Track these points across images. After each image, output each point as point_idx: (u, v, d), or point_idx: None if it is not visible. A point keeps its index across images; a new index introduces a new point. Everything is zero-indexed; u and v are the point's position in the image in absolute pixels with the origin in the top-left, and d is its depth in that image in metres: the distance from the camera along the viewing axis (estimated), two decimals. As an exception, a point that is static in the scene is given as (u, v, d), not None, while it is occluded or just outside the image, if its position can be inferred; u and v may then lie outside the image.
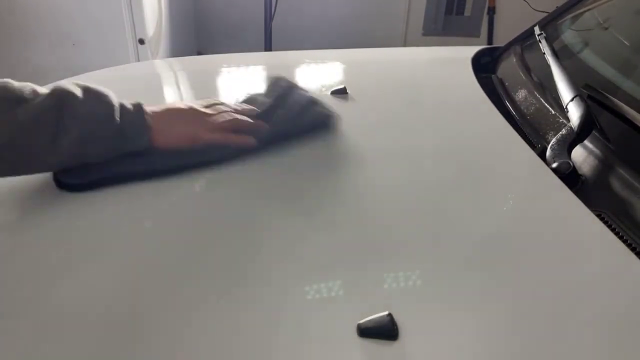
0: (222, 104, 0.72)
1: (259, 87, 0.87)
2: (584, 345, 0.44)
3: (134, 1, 2.21)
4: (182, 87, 1.08)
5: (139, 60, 2.48)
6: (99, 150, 0.61)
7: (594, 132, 0.71)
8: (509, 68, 1.04)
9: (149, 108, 0.65)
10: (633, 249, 0.54)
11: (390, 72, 1.13)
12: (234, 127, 0.69)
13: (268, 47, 2.66)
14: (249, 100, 0.80)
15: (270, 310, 0.47)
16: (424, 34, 2.98)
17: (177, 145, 0.66)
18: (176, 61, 1.26)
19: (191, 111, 0.68)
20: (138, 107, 0.63)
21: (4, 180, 0.62)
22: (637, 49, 0.89)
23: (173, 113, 0.67)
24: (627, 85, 0.79)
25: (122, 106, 0.62)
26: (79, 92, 0.60)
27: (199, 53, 3.06)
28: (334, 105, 0.92)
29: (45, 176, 0.63)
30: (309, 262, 0.53)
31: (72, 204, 0.61)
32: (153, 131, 0.63)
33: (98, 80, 1.10)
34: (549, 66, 0.86)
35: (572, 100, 0.73)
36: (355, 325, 0.45)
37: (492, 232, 0.59)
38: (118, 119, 0.61)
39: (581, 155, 0.71)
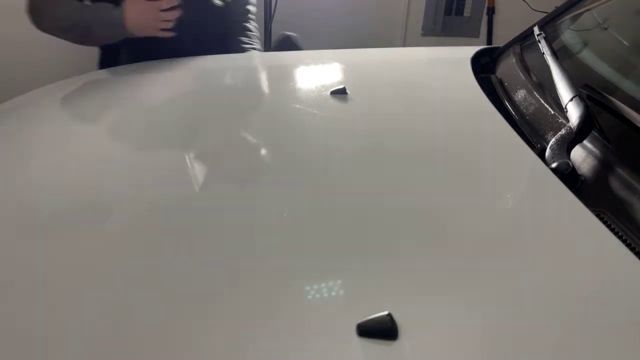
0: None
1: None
2: (584, 345, 0.44)
3: (133, 1, 2.20)
4: (181, 88, 1.08)
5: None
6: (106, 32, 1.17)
7: (593, 132, 0.71)
8: (508, 68, 1.04)
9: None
10: (632, 249, 0.54)
11: (390, 73, 1.13)
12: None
13: (268, 47, 2.65)
14: None
15: (271, 309, 0.47)
16: (423, 35, 2.97)
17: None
18: (176, 62, 1.25)
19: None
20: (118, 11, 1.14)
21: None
22: (637, 49, 0.89)
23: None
24: (626, 85, 0.79)
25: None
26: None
27: (199, 53, 3.05)
28: (334, 105, 0.92)
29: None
30: (309, 262, 0.54)
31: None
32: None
33: (98, 80, 1.10)
34: (548, 66, 0.86)
35: (571, 100, 0.73)
36: (355, 325, 0.45)
37: (491, 232, 0.59)
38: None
39: (580, 155, 0.71)
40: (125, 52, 1.26)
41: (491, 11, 2.92)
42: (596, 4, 1.04)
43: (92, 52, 1.54)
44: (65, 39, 1.20)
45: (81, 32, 1.16)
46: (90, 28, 1.14)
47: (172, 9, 1.15)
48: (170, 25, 1.16)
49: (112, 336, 0.45)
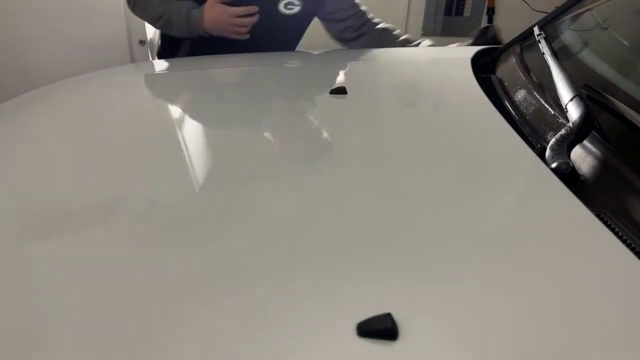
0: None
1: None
2: (584, 345, 0.44)
3: (133, 2, 2.21)
4: (181, 88, 1.08)
5: (139, 61, 2.48)
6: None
7: (593, 132, 0.71)
8: (508, 68, 1.04)
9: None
10: (632, 249, 0.54)
11: (390, 72, 1.13)
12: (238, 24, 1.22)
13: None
14: None
15: (270, 309, 0.47)
16: (423, 35, 2.97)
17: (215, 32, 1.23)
18: (175, 62, 1.26)
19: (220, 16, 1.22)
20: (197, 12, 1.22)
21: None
22: (637, 49, 0.89)
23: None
24: (626, 85, 0.79)
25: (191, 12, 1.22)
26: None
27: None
28: (333, 105, 0.92)
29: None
30: (309, 262, 0.54)
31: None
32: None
33: (98, 79, 1.10)
34: (548, 66, 0.86)
35: (571, 100, 0.73)
36: (355, 325, 0.45)
37: (491, 232, 0.59)
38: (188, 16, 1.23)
39: (580, 155, 0.71)
40: (186, 50, 1.31)
41: (491, 11, 2.92)
42: (596, 4, 1.04)
43: (91, 53, 1.53)
44: (153, 26, 1.33)
45: (164, 23, 1.25)
46: (172, 22, 1.23)
47: (247, 15, 1.21)
48: (245, 30, 1.23)
49: (112, 336, 0.45)
